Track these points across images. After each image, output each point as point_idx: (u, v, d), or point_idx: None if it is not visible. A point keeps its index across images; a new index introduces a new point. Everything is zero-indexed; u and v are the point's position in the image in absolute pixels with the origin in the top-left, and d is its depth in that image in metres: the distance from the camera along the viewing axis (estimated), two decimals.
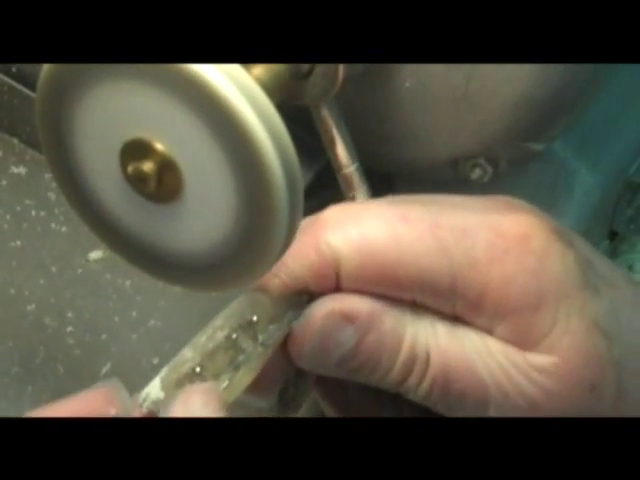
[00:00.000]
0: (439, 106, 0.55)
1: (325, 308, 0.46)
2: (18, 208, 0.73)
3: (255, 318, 0.46)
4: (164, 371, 0.45)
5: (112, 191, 0.42)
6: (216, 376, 0.45)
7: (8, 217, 0.72)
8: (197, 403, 0.42)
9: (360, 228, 0.46)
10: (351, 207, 0.48)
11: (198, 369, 0.44)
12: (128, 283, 0.72)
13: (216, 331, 0.45)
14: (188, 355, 0.45)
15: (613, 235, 0.77)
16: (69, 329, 0.69)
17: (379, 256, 0.46)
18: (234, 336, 0.45)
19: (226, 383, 0.44)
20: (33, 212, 0.73)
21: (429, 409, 0.48)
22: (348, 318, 0.46)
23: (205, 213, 0.41)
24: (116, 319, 0.71)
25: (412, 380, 0.46)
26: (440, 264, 0.45)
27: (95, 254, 0.72)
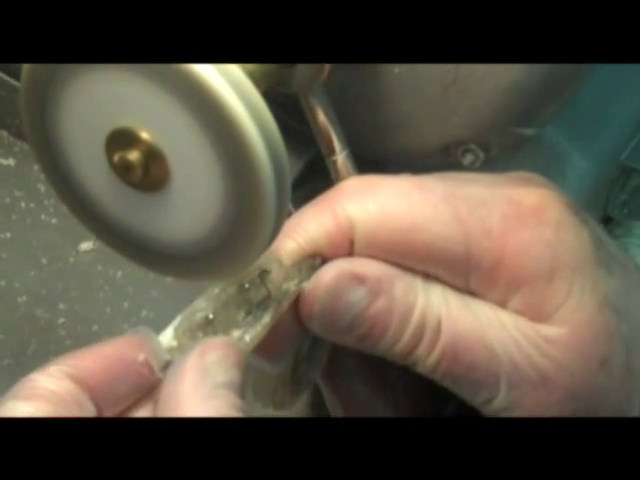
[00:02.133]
0: (429, 92, 0.55)
1: (336, 268, 0.46)
2: (7, 200, 0.73)
3: (269, 275, 0.46)
4: (177, 320, 0.44)
5: (98, 181, 0.42)
6: (228, 330, 0.44)
7: None
8: (213, 357, 0.41)
9: (376, 196, 0.46)
10: (369, 178, 0.48)
11: (211, 316, 0.44)
12: (119, 274, 0.72)
13: (230, 284, 0.45)
14: (201, 305, 0.45)
15: (607, 219, 0.77)
16: (61, 320, 0.69)
17: (393, 222, 0.45)
18: (247, 288, 0.45)
19: (237, 335, 0.44)
20: (23, 204, 0.73)
21: (431, 395, 0.48)
22: (359, 279, 0.45)
23: (192, 202, 0.41)
24: (108, 310, 0.70)
25: (422, 349, 0.46)
26: (454, 232, 0.45)
27: (86, 245, 0.72)
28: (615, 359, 0.47)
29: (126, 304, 0.71)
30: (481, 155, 0.58)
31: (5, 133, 0.76)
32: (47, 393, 0.39)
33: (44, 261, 0.71)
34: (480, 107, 0.55)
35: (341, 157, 0.53)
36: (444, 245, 0.45)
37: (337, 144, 0.53)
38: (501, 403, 0.46)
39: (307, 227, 0.47)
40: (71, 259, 0.71)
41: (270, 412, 0.50)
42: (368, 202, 0.46)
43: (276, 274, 0.46)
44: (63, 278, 0.71)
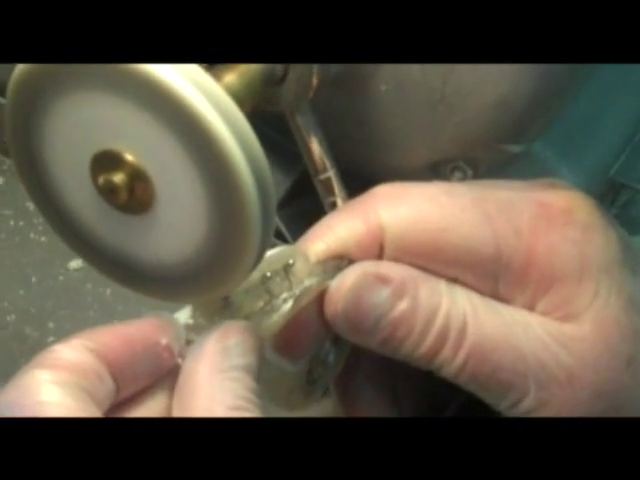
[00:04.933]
0: (416, 109, 0.55)
1: (361, 268, 0.46)
2: None
3: (292, 267, 0.46)
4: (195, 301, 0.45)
5: (84, 203, 0.42)
6: (244, 316, 0.45)
7: None
8: (233, 340, 0.42)
9: (407, 201, 0.46)
10: (400, 184, 0.48)
11: (230, 299, 0.45)
12: (109, 292, 0.71)
13: (253, 271, 0.44)
14: None
15: None
16: (50, 339, 0.69)
17: (423, 225, 0.46)
18: (269, 277, 0.45)
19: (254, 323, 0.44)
20: (12, 222, 0.73)
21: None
22: (383, 280, 0.45)
23: (177, 224, 0.41)
24: None
25: (446, 351, 0.46)
26: (484, 233, 0.46)
27: (75, 263, 0.72)
28: None
29: (116, 322, 0.70)
30: (469, 172, 0.58)
31: None
32: (68, 364, 0.40)
33: (33, 279, 0.71)
34: (468, 123, 0.55)
35: (329, 175, 0.53)
36: (474, 246, 0.46)
37: (324, 163, 0.53)
38: (530, 404, 0.46)
39: (337, 229, 0.47)
40: (60, 277, 0.71)
41: (283, 413, 0.50)
42: (399, 207, 0.46)
43: (300, 268, 0.46)
44: (52, 296, 0.71)
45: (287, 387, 0.48)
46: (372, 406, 0.52)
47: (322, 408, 0.52)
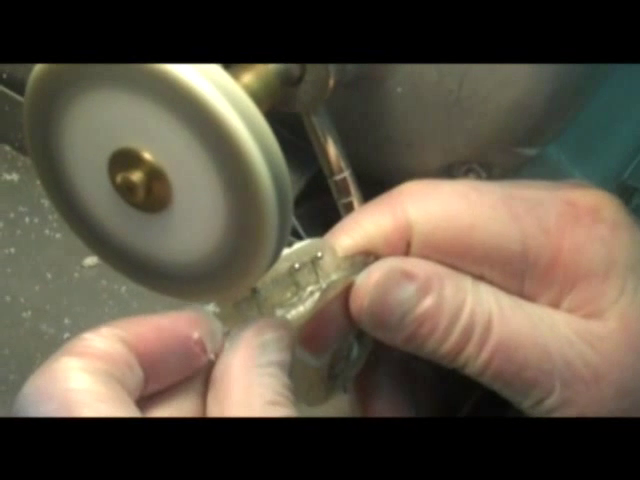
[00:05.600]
0: (432, 111, 0.55)
1: (387, 264, 0.46)
2: (12, 215, 0.73)
3: (320, 261, 0.46)
4: None
5: (101, 201, 0.42)
6: (271, 306, 0.45)
7: (2, 224, 0.72)
8: (270, 336, 0.43)
9: (436, 198, 0.47)
10: (429, 181, 0.48)
11: (257, 289, 0.45)
12: (124, 289, 0.71)
13: (282, 262, 0.45)
14: None
15: None
16: (66, 335, 0.69)
17: (452, 222, 0.46)
18: (297, 269, 0.46)
19: (280, 314, 0.45)
20: (27, 219, 0.73)
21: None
22: (408, 276, 0.46)
23: (195, 222, 0.41)
24: None
25: (471, 348, 0.46)
26: (512, 230, 0.46)
27: (90, 260, 0.72)
28: None
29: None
30: (483, 175, 0.58)
31: (8, 148, 0.76)
32: (98, 351, 0.40)
33: (49, 276, 0.71)
34: (483, 126, 0.55)
35: (344, 176, 0.53)
36: (502, 243, 0.46)
37: (339, 164, 0.53)
38: (555, 402, 0.46)
39: (365, 225, 0.47)
40: (76, 274, 0.71)
41: (302, 408, 0.50)
42: (427, 204, 0.47)
43: (328, 262, 0.46)
44: (68, 293, 0.71)
45: (308, 381, 0.49)
46: (390, 405, 0.53)
47: (338, 405, 0.53)
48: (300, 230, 0.63)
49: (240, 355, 0.42)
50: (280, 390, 0.41)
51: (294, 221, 0.62)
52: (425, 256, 0.47)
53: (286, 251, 0.46)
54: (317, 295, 0.46)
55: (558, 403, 0.46)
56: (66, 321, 0.69)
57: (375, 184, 0.53)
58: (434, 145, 0.58)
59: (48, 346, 0.68)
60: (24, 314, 0.69)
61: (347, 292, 0.47)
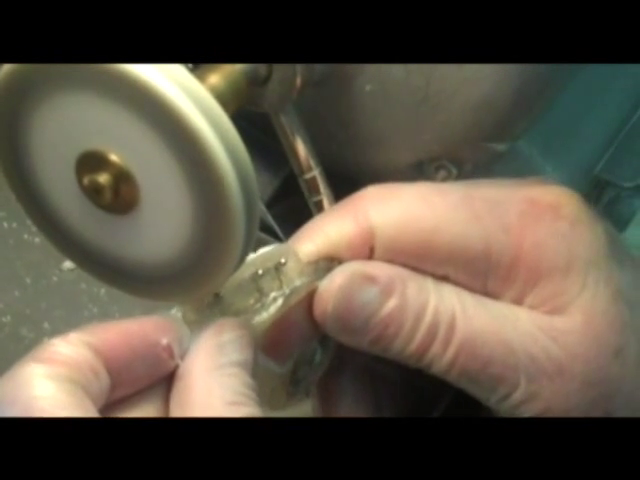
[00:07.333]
0: (400, 109, 0.55)
1: (350, 268, 0.47)
2: None
3: (284, 267, 0.46)
4: None
5: (69, 203, 0.42)
6: (234, 312, 0.45)
7: None
8: (229, 336, 0.43)
9: (397, 202, 0.47)
10: (390, 185, 0.49)
11: (220, 295, 0.45)
12: (103, 291, 0.72)
13: (245, 268, 0.45)
14: None
15: None
16: (46, 340, 0.69)
17: (415, 225, 0.46)
18: (261, 275, 0.46)
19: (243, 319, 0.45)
20: (5, 224, 0.73)
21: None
22: (370, 279, 0.46)
23: (162, 224, 0.41)
24: None
25: (436, 346, 0.46)
26: (474, 230, 0.46)
27: (69, 263, 0.72)
28: (629, 349, 0.48)
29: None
30: (454, 171, 0.58)
31: None
32: (64, 358, 0.40)
33: (28, 280, 0.71)
34: (452, 123, 0.56)
35: (313, 175, 0.54)
36: (465, 244, 0.46)
37: (309, 163, 0.53)
38: (520, 396, 0.47)
39: (327, 231, 0.47)
40: (55, 278, 0.72)
41: (265, 412, 0.50)
42: (389, 207, 0.47)
43: (291, 268, 0.47)
44: (47, 297, 0.71)
45: (270, 386, 0.49)
46: (353, 409, 0.53)
47: (301, 409, 0.53)
48: (277, 230, 0.63)
49: (200, 357, 0.42)
50: (241, 390, 0.41)
51: (270, 220, 0.62)
52: (389, 260, 0.47)
53: (251, 256, 0.46)
54: (280, 301, 0.46)
55: (524, 397, 0.47)
56: (46, 325, 0.70)
57: (346, 182, 0.53)
58: (404, 142, 0.58)
59: (28, 350, 0.68)
60: (4, 319, 0.69)
61: (310, 298, 0.47)
